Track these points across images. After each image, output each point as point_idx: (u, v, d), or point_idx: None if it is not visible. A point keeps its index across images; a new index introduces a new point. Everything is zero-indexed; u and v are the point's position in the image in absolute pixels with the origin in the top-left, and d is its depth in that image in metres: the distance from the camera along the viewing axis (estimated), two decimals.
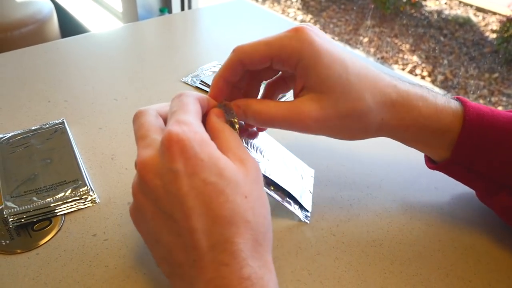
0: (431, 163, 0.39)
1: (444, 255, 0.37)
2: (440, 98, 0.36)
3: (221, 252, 0.25)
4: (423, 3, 3.14)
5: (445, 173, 0.39)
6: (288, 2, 3.64)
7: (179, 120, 0.27)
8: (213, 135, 0.30)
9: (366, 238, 0.38)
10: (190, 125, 0.27)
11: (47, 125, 0.48)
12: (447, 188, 0.44)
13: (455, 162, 0.36)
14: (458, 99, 0.37)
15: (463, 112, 0.35)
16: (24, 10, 1.51)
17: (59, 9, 1.80)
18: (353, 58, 0.34)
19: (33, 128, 0.47)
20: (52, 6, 1.61)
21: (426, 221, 0.40)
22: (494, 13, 3.14)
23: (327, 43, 0.33)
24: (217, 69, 0.62)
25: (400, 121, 0.35)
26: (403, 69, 2.68)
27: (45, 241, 0.36)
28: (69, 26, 2.01)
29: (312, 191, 0.42)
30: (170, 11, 1.79)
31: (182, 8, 1.79)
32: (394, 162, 0.47)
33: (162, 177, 0.26)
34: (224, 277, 0.25)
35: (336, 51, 0.33)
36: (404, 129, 0.36)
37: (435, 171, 0.39)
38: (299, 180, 0.41)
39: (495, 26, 3.00)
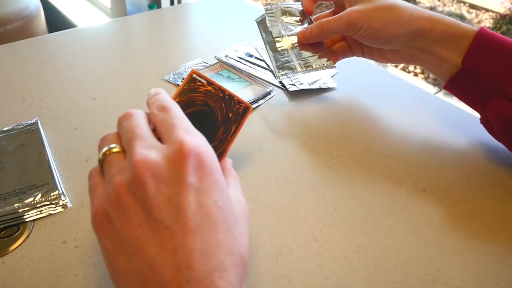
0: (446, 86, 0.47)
1: (431, 261, 0.36)
2: (459, 25, 0.45)
3: (219, 279, 0.23)
4: (417, 0, 3.13)
5: (454, 90, 0.46)
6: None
7: (189, 130, 0.27)
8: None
9: (350, 243, 0.36)
10: (203, 139, 0.27)
11: (20, 126, 0.46)
12: (435, 190, 0.42)
13: (465, 69, 0.44)
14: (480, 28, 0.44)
15: (480, 27, 0.43)
16: (10, 7, 1.48)
17: (46, 5, 1.77)
18: None
19: (5, 129, 0.45)
20: (38, 2, 1.58)
21: (413, 225, 0.39)
22: (487, 10, 3.14)
23: None
24: (200, 66, 0.60)
25: (427, 21, 0.45)
26: (396, 66, 2.67)
27: (12, 249, 0.34)
28: (57, 23, 1.98)
29: None
30: (159, 7, 1.76)
31: (172, 3, 1.76)
32: (381, 163, 0.45)
33: (169, 185, 0.24)
34: None
35: None
36: (429, 28, 0.44)
37: (424, 173, 0.38)
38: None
39: (488, 23, 3.00)
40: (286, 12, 0.56)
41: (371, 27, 0.46)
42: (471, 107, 0.48)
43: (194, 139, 0.26)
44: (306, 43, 0.52)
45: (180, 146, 0.25)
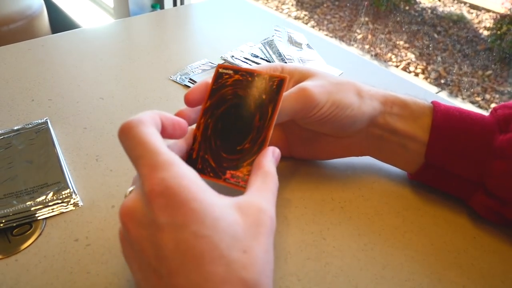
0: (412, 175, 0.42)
1: (437, 259, 0.36)
2: (415, 100, 0.40)
3: None
4: (417, 0, 3.13)
5: (424, 180, 0.41)
6: None
7: (153, 163, 0.24)
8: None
9: (358, 241, 0.37)
10: (169, 168, 0.24)
11: (30, 125, 0.46)
12: (440, 191, 0.43)
13: (429, 165, 0.38)
14: (432, 103, 0.39)
15: (433, 111, 0.38)
16: (13, 6, 1.48)
17: (49, 5, 1.77)
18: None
19: (15, 128, 0.46)
20: (42, 1, 1.58)
21: (419, 225, 0.39)
22: (488, 11, 3.14)
23: None
24: (206, 67, 0.60)
25: (384, 97, 0.39)
26: (397, 66, 2.67)
27: (25, 247, 0.35)
28: (60, 22, 1.98)
29: None
30: (162, 7, 1.77)
31: (175, 4, 1.76)
32: (386, 164, 0.46)
33: (147, 228, 0.24)
34: None
35: None
36: (390, 105, 0.39)
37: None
38: None
39: (489, 23, 3.00)
40: None
41: (337, 102, 0.36)
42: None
43: (158, 174, 0.24)
44: None
45: (145, 186, 0.24)
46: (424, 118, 0.38)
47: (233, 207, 0.25)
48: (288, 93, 0.35)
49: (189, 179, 0.24)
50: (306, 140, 0.42)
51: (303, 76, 0.38)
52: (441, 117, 0.37)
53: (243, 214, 0.25)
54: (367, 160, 0.46)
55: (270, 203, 0.27)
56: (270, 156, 0.31)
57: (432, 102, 0.39)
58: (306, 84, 0.36)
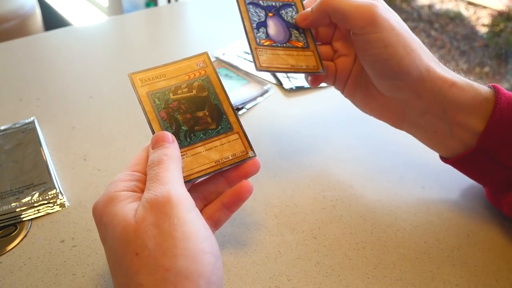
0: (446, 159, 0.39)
1: (430, 257, 0.36)
2: (473, 87, 0.36)
3: None
4: None
5: (462, 167, 0.38)
6: None
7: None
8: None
9: (349, 240, 0.36)
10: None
11: (17, 125, 0.46)
12: (435, 187, 0.42)
13: (478, 151, 0.35)
14: (493, 87, 0.36)
15: (495, 97, 0.34)
16: (5, 5, 1.47)
17: (42, 4, 1.76)
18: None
19: (2, 128, 0.45)
20: (34, 0, 1.57)
21: (412, 222, 0.39)
22: (485, 7, 3.14)
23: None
24: None
25: (447, 73, 0.35)
26: None
27: (9, 249, 0.34)
28: (54, 21, 1.97)
29: None
30: (156, 4, 1.75)
31: (169, 1, 1.75)
32: (379, 160, 0.45)
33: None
34: None
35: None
36: (449, 85, 0.35)
37: (423, 170, 0.38)
38: None
39: (486, 20, 3.00)
40: None
41: (389, 42, 0.34)
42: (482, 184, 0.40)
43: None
44: (304, 24, 0.39)
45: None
46: (484, 104, 0.34)
47: (139, 205, 0.26)
48: (356, 1, 0.35)
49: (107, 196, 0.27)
50: (351, 74, 0.41)
51: None
52: (505, 104, 0.34)
53: (135, 216, 0.25)
54: (359, 157, 0.45)
55: (153, 191, 0.26)
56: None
57: (493, 86, 0.36)
58: (377, 2, 0.35)
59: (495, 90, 0.35)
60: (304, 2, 0.41)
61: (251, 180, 0.32)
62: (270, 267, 0.34)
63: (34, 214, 0.36)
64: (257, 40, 0.39)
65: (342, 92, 0.42)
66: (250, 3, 0.40)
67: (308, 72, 0.39)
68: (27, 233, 0.35)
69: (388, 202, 0.40)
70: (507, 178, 0.36)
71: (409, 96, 0.36)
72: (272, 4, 0.40)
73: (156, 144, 0.30)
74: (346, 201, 0.40)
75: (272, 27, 0.40)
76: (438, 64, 0.36)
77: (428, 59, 0.35)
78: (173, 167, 0.28)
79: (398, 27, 0.35)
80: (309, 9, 0.39)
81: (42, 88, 0.53)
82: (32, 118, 0.47)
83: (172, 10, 0.84)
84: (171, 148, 0.29)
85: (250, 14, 0.39)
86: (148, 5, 1.76)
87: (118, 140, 0.45)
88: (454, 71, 0.37)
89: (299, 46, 0.39)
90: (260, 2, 0.40)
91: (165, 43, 0.67)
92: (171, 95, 0.32)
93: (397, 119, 0.39)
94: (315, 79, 0.41)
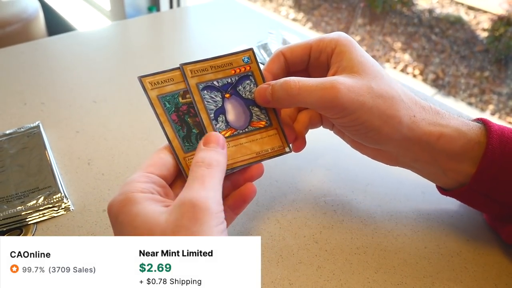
0: (444, 190, 0.38)
1: (430, 262, 0.36)
2: (462, 127, 0.35)
3: None
4: (414, 1, 3.14)
5: (459, 199, 0.37)
6: (280, 0, 3.62)
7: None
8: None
9: (350, 245, 0.37)
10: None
11: (22, 129, 0.46)
12: (434, 193, 0.43)
13: (473, 189, 0.35)
14: (482, 122, 0.35)
15: (486, 138, 0.34)
16: (8, 9, 1.48)
17: (45, 8, 1.77)
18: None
19: (7, 132, 0.46)
20: (38, 4, 1.58)
21: (412, 227, 0.39)
22: (485, 12, 3.15)
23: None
24: None
25: (432, 125, 0.34)
26: (395, 68, 2.67)
27: None
28: (57, 25, 1.98)
29: None
30: (158, 10, 1.77)
31: (171, 6, 1.76)
32: (380, 166, 0.46)
33: None
34: None
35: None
36: (436, 136, 0.33)
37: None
38: None
39: (486, 24, 3.01)
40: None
41: (362, 120, 0.32)
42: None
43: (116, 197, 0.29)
44: (265, 106, 0.35)
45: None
46: (476, 148, 0.34)
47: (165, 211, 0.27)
48: (319, 82, 0.32)
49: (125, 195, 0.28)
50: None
51: (350, 66, 0.33)
52: (496, 142, 0.33)
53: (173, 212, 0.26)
54: (360, 163, 0.46)
55: (195, 192, 0.27)
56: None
57: (483, 122, 0.35)
58: (339, 81, 0.31)
59: (486, 127, 0.35)
60: (262, 68, 0.36)
61: None
62: (272, 271, 0.34)
63: (39, 217, 0.37)
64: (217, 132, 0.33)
65: (334, 132, 0.40)
66: (204, 88, 0.34)
67: (274, 156, 0.34)
68: (32, 236, 0.36)
69: (389, 208, 0.41)
70: (503, 213, 0.36)
71: (397, 150, 0.35)
72: (227, 82, 0.34)
73: (208, 143, 0.30)
74: (347, 206, 0.41)
75: (231, 111, 0.34)
76: (423, 109, 0.34)
77: (409, 114, 0.33)
78: (219, 176, 0.29)
79: (368, 98, 0.32)
80: (269, 87, 0.33)
81: (46, 92, 0.54)
82: (37, 122, 0.47)
83: (175, 15, 0.85)
84: (223, 156, 0.30)
85: (206, 103, 0.33)
86: (150, 9, 1.77)
87: (122, 145, 0.46)
88: (443, 112, 0.35)
89: (262, 126, 0.35)
90: (215, 83, 0.34)
91: (168, 48, 0.68)
92: (180, 99, 0.33)
93: (390, 162, 0.38)
94: (297, 147, 0.37)
